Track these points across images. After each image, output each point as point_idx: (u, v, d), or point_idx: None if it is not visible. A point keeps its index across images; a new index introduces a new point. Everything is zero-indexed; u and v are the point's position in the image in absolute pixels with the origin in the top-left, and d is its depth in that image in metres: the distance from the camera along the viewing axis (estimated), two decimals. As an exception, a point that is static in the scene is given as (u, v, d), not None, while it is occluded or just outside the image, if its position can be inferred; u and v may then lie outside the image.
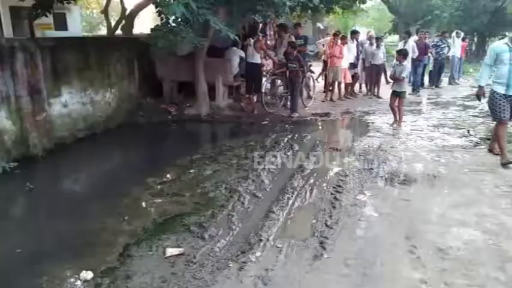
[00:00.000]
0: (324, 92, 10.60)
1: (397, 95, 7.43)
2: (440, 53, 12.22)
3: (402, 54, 7.62)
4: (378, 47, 10.52)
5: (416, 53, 10.84)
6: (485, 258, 3.20)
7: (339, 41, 9.89)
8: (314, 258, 3.26)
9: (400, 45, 10.83)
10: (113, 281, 3.09)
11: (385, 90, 11.01)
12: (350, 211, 4.10)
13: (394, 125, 7.51)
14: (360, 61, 10.99)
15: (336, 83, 10.26)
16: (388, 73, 9.48)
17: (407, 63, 7.42)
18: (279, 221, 3.93)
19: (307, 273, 3.09)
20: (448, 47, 12.58)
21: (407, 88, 11.81)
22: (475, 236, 3.54)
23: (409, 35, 11.19)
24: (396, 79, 7.45)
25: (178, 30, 6.87)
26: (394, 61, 7.80)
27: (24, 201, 4.95)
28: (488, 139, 6.36)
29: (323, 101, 10.26)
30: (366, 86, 11.36)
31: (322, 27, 23.28)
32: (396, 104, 7.54)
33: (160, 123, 8.37)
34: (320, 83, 11.19)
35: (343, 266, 3.17)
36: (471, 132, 6.93)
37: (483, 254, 3.26)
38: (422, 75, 12.02)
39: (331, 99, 10.30)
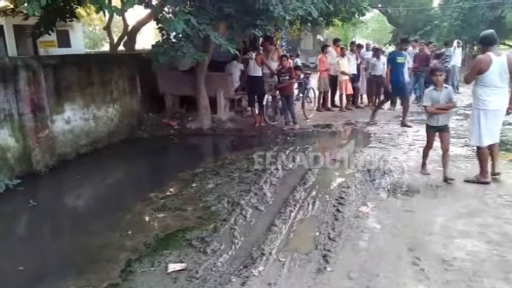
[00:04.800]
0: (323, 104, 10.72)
1: (438, 130, 5.24)
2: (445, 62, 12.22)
3: (436, 71, 5.18)
4: (378, 58, 10.57)
5: (411, 63, 10.76)
6: (490, 269, 3.17)
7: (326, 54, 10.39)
8: (317, 272, 3.25)
9: None
10: (115, 298, 3.08)
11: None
12: (353, 223, 4.08)
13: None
14: (362, 72, 11.06)
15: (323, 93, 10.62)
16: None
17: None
18: (281, 234, 3.92)
19: (310, 287, 3.07)
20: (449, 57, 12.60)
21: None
22: (479, 246, 3.51)
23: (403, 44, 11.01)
24: (441, 109, 5.08)
25: (179, 45, 6.93)
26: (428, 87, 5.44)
27: (27, 218, 4.95)
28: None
29: (326, 110, 10.47)
30: (368, 97, 11.40)
31: (322, 39, 23.45)
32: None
33: (162, 138, 8.41)
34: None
35: (347, 279, 3.15)
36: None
37: (487, 264, 3.24)
38: (425, 85, 12.00)
39: (327, 109, 10.63)
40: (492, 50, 4.72)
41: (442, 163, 5.24)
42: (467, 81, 5.08)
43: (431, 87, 5.18)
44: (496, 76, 4.65)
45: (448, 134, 5.28)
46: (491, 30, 4.97)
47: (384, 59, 10.56)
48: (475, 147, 5.21)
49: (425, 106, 5.20)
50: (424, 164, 5.53)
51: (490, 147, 5.02)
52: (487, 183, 4.91)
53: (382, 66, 10.42)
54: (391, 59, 8.68)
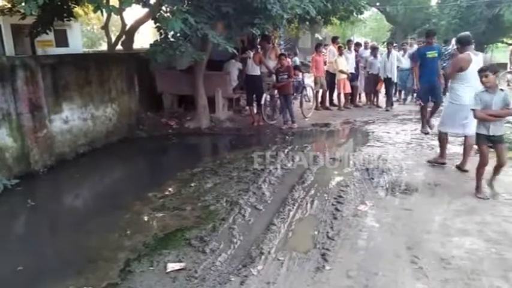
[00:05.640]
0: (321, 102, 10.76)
1: (490, 141, 4.48)
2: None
3: (483, 71, 4.35)
4: (374, 56, 10.57)
5: (403, 64, 10.64)
6: (488, 267, 3.18)
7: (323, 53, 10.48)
8: (316, 271, 3.25)
9: (383, 57, 10.33)
10: (114, 298, 3.08)
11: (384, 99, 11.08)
12: (351, 222, 4.09)
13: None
14: (360, 71, 11.06)
15: (321, 91, 10.60)
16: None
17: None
18: (280, 233, 3.92)
19: (309, 286, 3.07)
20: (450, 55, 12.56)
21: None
22: (477, 244, 3.52)
23: (391, 44, 10.73)
24: (494, 116, 4.32)
25: (177, 44, 6.93)
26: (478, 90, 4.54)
27: (25, 218, 4.95)
28: (489, 146, 6.34)
29: (325, 109, 10.55)
30: (366, 96, 11.41)
31: (320, 37, 23.44)
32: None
33: (160, 137, 8.40)
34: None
35: (346, 277, 3.15)
36: (471, 140, 6.91)
37: (485, 263, 3.24)
38: None
39: (326, 108, 10.67)
40: (469, 49, 5.14)
41: (491, 176, 4.65)
42: (449, 77, 5.38)
43: (482, 89, 4.43)
44: (473, 74, 4.87)
45: (504, 146, 4.54)
46: (468, 32, 5.44)
47: (380, 57, 10.55)
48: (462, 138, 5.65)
49: (473, 110, 4.43)
50: (478, 187, 4.59)
51: (465, 140, 5.49)
52: (443, 163, 5.65)
53: (378, 65, 10.38)
54: (420, 54, 7.41)
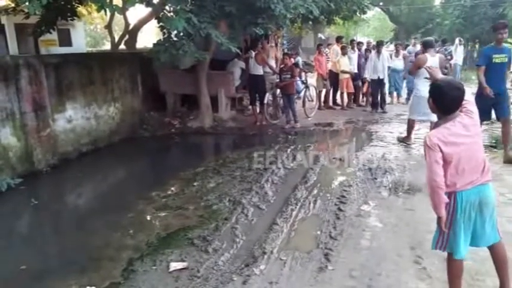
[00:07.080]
0: (324, 102, 10.75)
1: None
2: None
3: None
4: (366, 59, 10.34)
5: (396, 65, 10.44)
6: (492, 268, 3.14)
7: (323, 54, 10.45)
8: (319, 271, 3.25)
9: (373, 58, 9.73)
10: (117, 297, 3.09)
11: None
12: (354, 222, 4.08)
13: None
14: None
15: (324, 91, 10.60)
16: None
17: None
18: (282, 233, 3.92)
19: (312, 286, 3.07)
20: (451, 55, 12.53)
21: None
22: (481, 245, 3.50)
23: (381, 44, 10.12)
24: None
25: (180, 44, 6.93)
26: None
27: (28, 217, 4.97)
28: (492, 146, 6.32)
29: (328, 109, 10.57)
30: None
31: (323, 37, 23.40)
32: None
33: (164, 137, 8.42)
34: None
35: (348, 277, 3.14)
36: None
37: (489, 263, 3.21)
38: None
39: (329, 107, 10.68)
40: (429, 51, 6.39)
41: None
42: (410, 73, 6.83)
43: None
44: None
45: None
46: (432, 38, 6.99)
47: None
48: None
49: None
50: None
51: (431, 124, 6.06)
52: (409, 144, 6.86)
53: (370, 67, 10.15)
54: (486, 58, 5.67)
